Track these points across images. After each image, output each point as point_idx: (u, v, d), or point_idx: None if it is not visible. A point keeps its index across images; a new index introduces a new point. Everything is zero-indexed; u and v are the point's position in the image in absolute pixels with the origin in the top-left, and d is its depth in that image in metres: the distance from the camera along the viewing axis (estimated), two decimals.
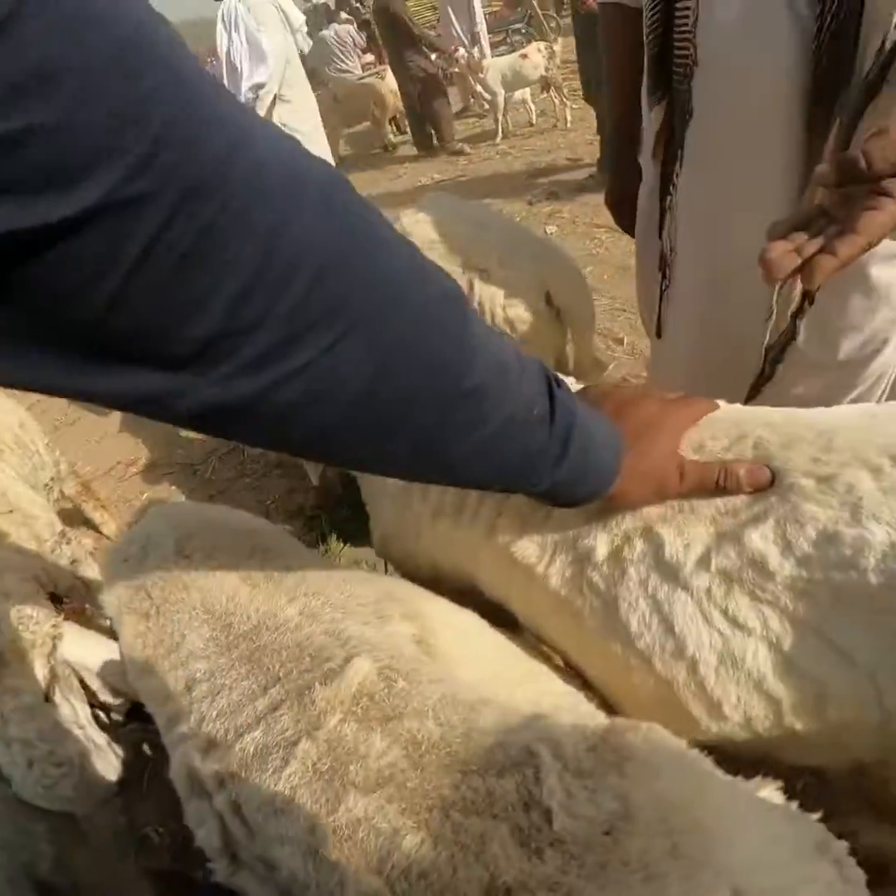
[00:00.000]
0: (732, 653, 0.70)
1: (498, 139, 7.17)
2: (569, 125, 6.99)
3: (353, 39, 9.39)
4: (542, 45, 7.05)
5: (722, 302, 1.22)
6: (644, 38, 1.16)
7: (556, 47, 7.01)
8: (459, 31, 7.71)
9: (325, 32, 9.30)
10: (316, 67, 10.34)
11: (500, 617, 0.99)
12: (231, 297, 0.40)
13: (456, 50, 7.32)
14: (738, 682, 0.70)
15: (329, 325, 0.45)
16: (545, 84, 6.99)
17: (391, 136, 8.10)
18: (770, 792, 0.61)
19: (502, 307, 1.64)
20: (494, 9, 11.65)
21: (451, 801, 0.56)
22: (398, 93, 7.89)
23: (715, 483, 0.71)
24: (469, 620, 0.88)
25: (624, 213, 1.53)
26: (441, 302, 0.52)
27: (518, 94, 7.26)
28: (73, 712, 1.25)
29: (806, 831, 0.58)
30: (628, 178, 1.44)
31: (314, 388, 0.46)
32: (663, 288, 1.35)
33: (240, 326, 0.41)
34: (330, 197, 0.45)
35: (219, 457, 3.05)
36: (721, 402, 0.84)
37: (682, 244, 1.26)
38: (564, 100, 7.00)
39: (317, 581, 0.87)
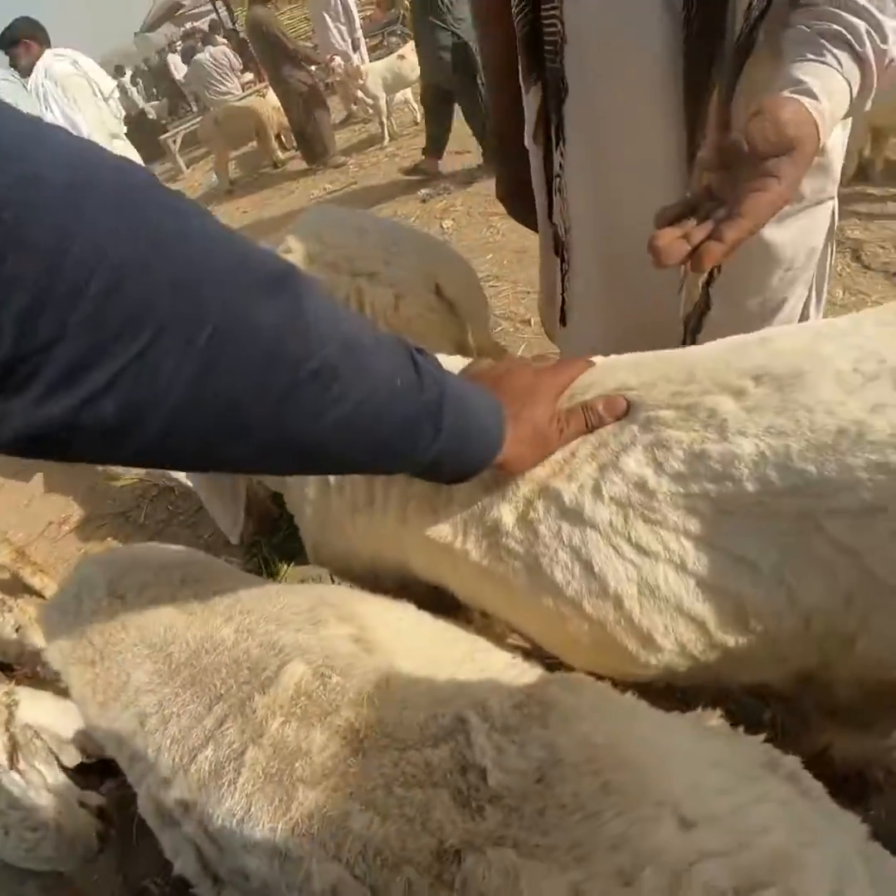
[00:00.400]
0: (647, 581, 0.73)
1: (385, 142, 7.19)
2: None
3: (230, 61, 9.29)
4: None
5: (626, 280, 1.20)
6: (513, 19, 1.13)
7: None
8: (339, 39, 7.67)
9: (200, 56, 9.17)
10: (196, 91, 10.21)
11: (442, 600, 1.03)
12: (20, 315, 0.38)
13: (332, 59, 7.31)
14: (660, 610, 0.74)
15: (135, 332, 0.42)
16: None
17: (279, 154, 8.04)
18: (713, 721, 0.65)
19: (394, 307, 1.66)
20: (367, 13, 11.65)
21: (392, 778, 0.59)
22: (280, 109, 7.85)
23: (585, 425, 0.77)
24: (406, 613, 0.91)
25: (516, 204, 1.51)
26: (268, 287, 0.49)
27: (399, 95, 7.30)
28: (41, 776, 1.25)
29: (751, 752, 0.61)
30: (516, 168, 1.41)
31: (133, 399, 0.44)
32: (563, 271, 1.32)
33: (36, 345, 0.39)
34: (125, 198, 0.43)
35: (149, 500, 3.03)
36: (597, 358, 0.89)
37: (577, 226, 1.23)
38: None
39: (250, 599, 0.90)
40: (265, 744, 0.66)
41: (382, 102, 7.04)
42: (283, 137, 8.00)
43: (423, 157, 5.76)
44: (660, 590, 0.73)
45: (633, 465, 0.74)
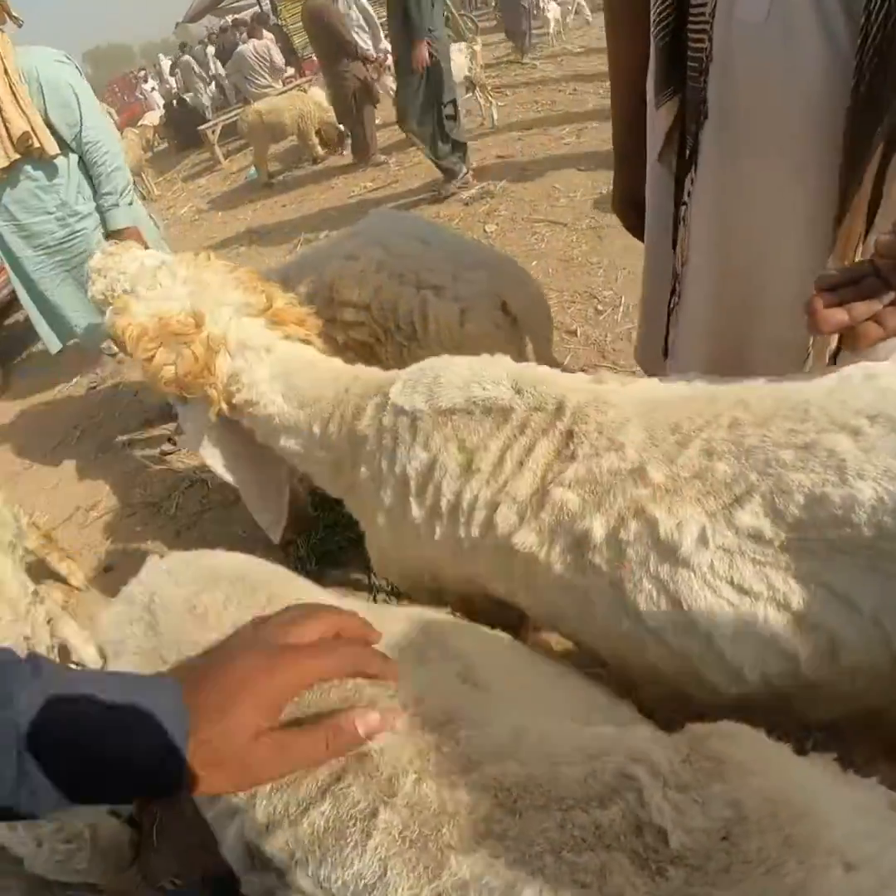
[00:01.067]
0: (744, 619, 0.72)
1: None
2: (496, 123, 7.04)
3: (272, 55, 9.30)
4: (463, 45, 7.06)
5: (738, 324, 1.14)
6: (652, 26, 1.05)
7: (477, 47, 7.04)
8: (363, 48, 7.57)
9: (243, 48, 9.17)
10: (237, 83, 10.22)
11: (506, 617, 1.01)
12: None
13: (387, 58, 7.32)
14: (754, 645, 0.73)
15: None
16: (470, 84, 7.02)
17: (318, 149, 8.02)
18: (830, 764, 0.62)
19: (459, 323, 1.64)
20: (383, 21, 11.65)
21: (559, 842, 0.54)
22: (321, 105, 7.84)
23: (326, 747, 0.60)
24: (502, 642, 0.87)
25: (630, 216, 1.44)
26: None
27: None
28: None
29: (877, 795, 0.59)
30: (635, 181, 1.33)
31: None
32: (671, 306, 1.25)
33: None
34: None
35: (182, 492, 2.97)
36: (694, 384, 0.87)
37: (695, 260, 1.15)
38: (490, 98, 7.05)
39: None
40: (399, 804, 0.60)
41: None
42: (323, 133, 7.97)
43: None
44: (757, 627, 0.72)
45: (748, 518, 0.73)
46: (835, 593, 0.69)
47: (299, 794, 0.64)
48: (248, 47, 9.17)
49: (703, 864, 0.51)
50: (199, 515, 2.79)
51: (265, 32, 9.76)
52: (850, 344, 0.73)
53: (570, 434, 0.86)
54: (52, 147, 2.57)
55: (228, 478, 1.45)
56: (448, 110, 5.18)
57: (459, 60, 6.89)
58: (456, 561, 0.99)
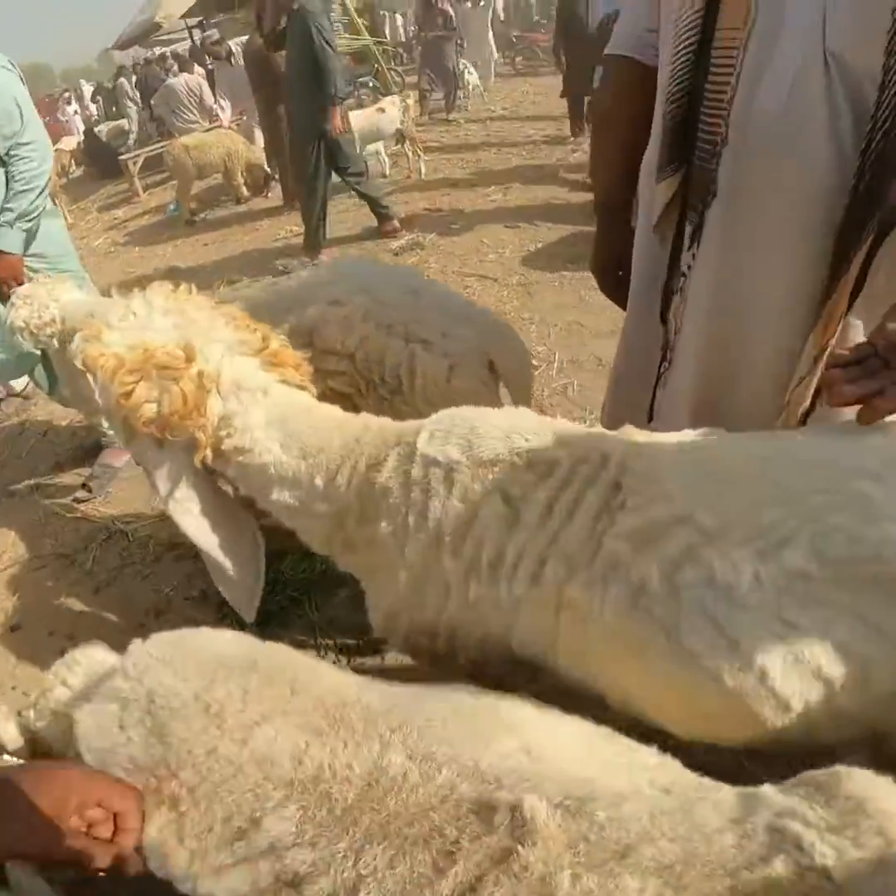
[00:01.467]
0: (792, 651, 0.77)
1: None
2: (423, 176, 7.22)
3: (202, 93, 9.21)
4: (397, 99, 7.26)
5: (724, 389, 1.20)
6: (662, 104, 1.12)
7: (410, 101, 7.25)
8: None
9: (174, 81, 9.00)
10: (163, 115, 10.01)
11: (513, 679, 0.99)
12: None
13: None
14: (801, 676, 0.77)
15: None
16: (401, 137, 7.19)
17: (243, 190, 7.95)
18: None
19: (447, 379, 1.60)
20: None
21: None
22: (249, 145, 7.81)
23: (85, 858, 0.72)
24: (550, 711, 0.85)
25: (609, 279, 1.50)
26: None
27: (371, 147, 7.41)
28: None
29: None
30: (618, 245, 1.41)
31: None
32: (661, 371, 1.31)
33: None
34: None
35: (99, 544, 2.71)
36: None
37: (688, 328, 1.21)
38: (418, 151, 7.24)
39: (388, 710, 0.78)
40: None
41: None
42: (250, 173, 7.93)
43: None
44: (804, 657, 0.77)
45: (796, 559, 0.77)
46: (869, 622, 0.75)
47: None
48: (179, 80, 9.03)
49: (863, 889, 0.56)
50: (120, 571, 2.56)
51: (197, 68, 9.69)
52: (864, 418, 0.84)
53: (617, 485, 0.88)
54: None
55: (200, 539, 1.25)
56: (352, 171, 5.22)
57: (392, 113, 7.08)
58: (487, 619, 0.97)
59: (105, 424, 2.24)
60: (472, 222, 5.79)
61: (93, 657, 1.33)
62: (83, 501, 3.02)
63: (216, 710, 0.78)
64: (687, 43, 1.05)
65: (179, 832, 0.73)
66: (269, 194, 7.87)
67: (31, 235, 2.61)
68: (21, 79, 2.55)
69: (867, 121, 0.90)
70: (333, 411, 1.20)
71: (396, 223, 5.64)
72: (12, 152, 2.47)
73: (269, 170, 7.70)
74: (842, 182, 0.95)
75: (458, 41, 10.60)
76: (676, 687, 0.83)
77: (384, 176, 7.74)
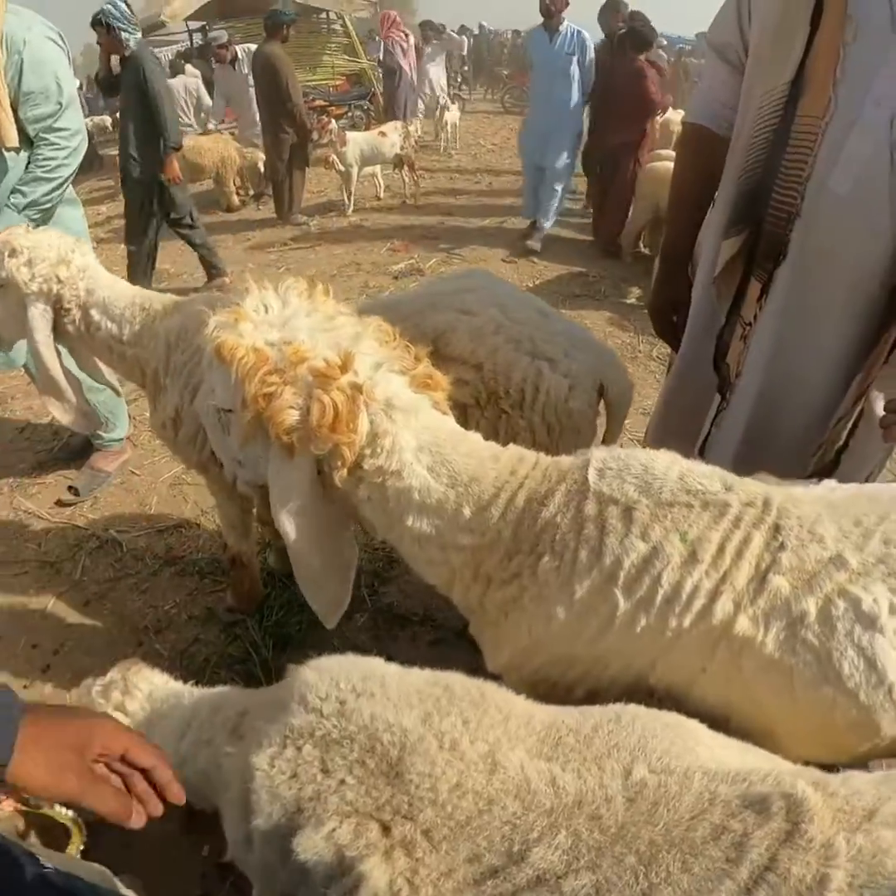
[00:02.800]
0: None
1: (349, 211, 7.27)
2: (418, 202, 7.28)
3: (200, 95, 9.12)
4: (399, 124, 7.35)
5: (769, 431, 1.36)
6: (733, 170, 1.28)
7: (412, 128, 7.32)
8: None
9: (174, 81, 8.86)
10: None
11: None
12: None
13: (329, 122, 7.49)
14: None
15: None
16: (399, 161, 7.25)
17: (234, 198, 7.86)
18: None
19: (565, 400, 1.64)
20: (336, 83, 11.97)
21: None
22: (243, 152, 7.75)
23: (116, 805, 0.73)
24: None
25: (665, 321, 1.66)
26: None
27: (368, 169, 7.47)
28: None
29: None
30: (675, 292, 1.59)
31: None
32: (720, 408, 1.44)
33: None
34: None
35: (87, 553, 2.53)
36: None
37: (748, 374, 1.37)
38: (416, 178, 7.29)
39: (595, 729, 0.80)
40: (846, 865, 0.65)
41: (354, 171, 7.17)
42: (243, 179, 7.87)
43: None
44: None
45: None
46: None
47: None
48: (178, 81, 8.91)
49: None
50: (113, 583, 2.39)
51: (189, 68, 9.59)
52: None
53: (776, 528, 0.98)
54: (11, 137, 2.18)
55: (307, 553, 1.15)
56: (185, 222, 5.08)
57: (393, 138, 7.14)
58: (639, 651, 1.01)
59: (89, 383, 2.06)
60: (469, 251, 5.85)
61: (152, 681, 1.24)
62: (68, 505, 2.83)
63: (449, 743, 0.75)
64: (769, 122, 1.23)
65: (413, 880, 0.69)
66: (261, 207, 7.81)
67: (42, 223, 2.40)
68: (69, 58, 2.36)
69: None
70: (481, 440, 1.15)
71: (226, 279, 5.40)
72: (43, 136, 2.29)
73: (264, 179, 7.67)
74: None
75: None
76: (817, 706, 0.94)
77: (378, 199, 7.78)
